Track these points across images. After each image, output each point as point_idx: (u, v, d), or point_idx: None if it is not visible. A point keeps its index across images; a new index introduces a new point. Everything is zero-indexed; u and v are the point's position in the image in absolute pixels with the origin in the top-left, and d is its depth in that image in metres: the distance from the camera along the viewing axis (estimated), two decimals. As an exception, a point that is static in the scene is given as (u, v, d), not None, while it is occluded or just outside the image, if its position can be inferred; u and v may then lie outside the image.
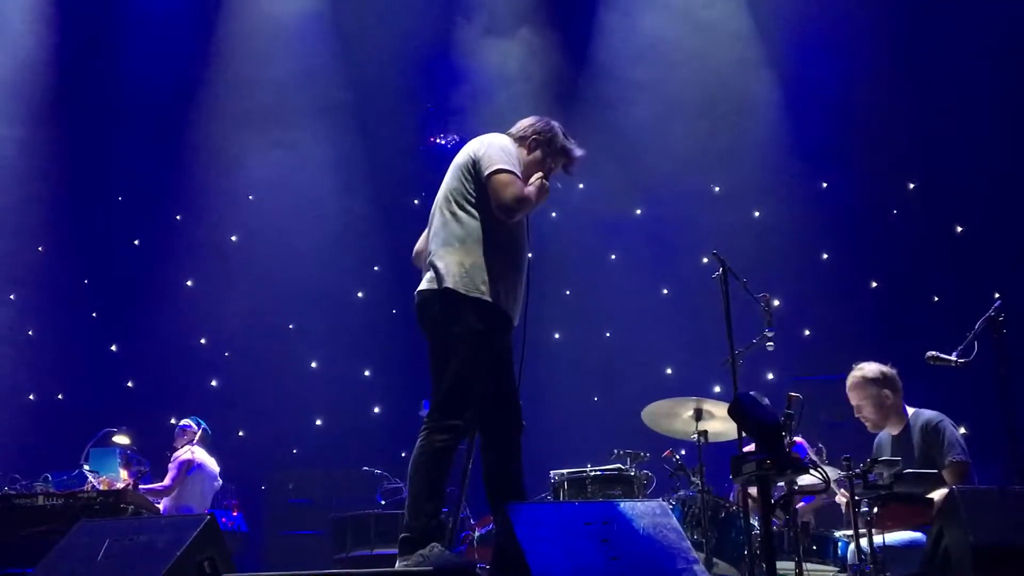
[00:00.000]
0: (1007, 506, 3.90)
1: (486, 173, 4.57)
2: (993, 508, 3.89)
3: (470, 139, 4.90)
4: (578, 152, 4.91)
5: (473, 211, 4.63)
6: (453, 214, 4.66)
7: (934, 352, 5.24)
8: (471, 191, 4.65)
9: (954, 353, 5.20)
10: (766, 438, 3.56)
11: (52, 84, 11.06)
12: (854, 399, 5.76)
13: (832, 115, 10.63)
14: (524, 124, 4.91)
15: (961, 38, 10.22)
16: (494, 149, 4.65)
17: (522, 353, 4.79)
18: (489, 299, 4.53)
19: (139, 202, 11.64)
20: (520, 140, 4.86)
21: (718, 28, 11.00)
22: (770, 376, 10.25)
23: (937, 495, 4.98)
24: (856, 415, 5.80)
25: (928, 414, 5.61)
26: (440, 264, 4.60)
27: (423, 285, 4.67)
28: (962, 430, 8.62)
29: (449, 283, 4.54)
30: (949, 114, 10.31)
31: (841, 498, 5.62)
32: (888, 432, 5.73)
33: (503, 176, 4.54)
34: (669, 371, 10.95)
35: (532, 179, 4.67)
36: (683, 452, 6.72)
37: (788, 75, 10.87)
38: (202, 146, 11.34)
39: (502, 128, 4.97)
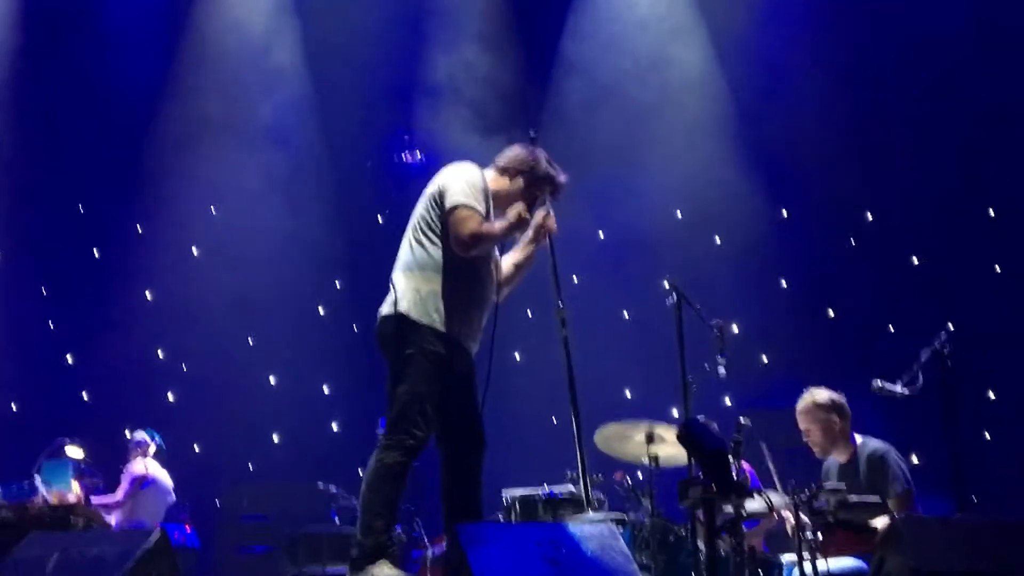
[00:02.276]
0: (947, 534, 3.99)
1: (447, 207, 4.65)
2: (934, 536, 3.98)
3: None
4: (562, 178, 4.97)
5: (436, 240, 4.73)
6: (418, 241, 4.77)
7: (880, 382, 5.35)
8: (435, 221, 4.74)
9: (899, 383, 5.30)
10: (712, 463, 3.62)
11: (11, 90, 10.97)
12: (803, 423, 5.89)
13: (792, 145, 10.77)
14: (508, 154, 4.99)
15: (920, 74, 10.42)
16: (459, 183, 4.72)
17: (488, 379, 4.84)
18: (442, 328, 4.60)
19: (100, 212, 11.53)
20: (503, 170, 4.94)
21: (680, 58, 11.12)
22: (728, 402, 10.32)
23: (880, 523, 5.06)
24: (804, 439, 5.91)
25: (875, 443, 5.72)
26: (398, 288, 4.71)
27: (382, 307, 4.76)
28: (914, 459, 8.82)
29: (403, 308, 4.64)
30: (908, 147, 10.50)
31: (788, 524, 5.71)
32: (836, 459, 5.85)
33: (462, 212, 4.62)
34: (628, 394, 11.00)
35: (510, 210, 4.71)
36: (640, 476, 6.76)
37: (750, 105, 11.00)
38: (165, 158, 11.26)
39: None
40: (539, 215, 4.89)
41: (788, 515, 5.57)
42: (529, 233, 4.92)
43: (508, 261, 5.01)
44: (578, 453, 4.68)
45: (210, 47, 11.36)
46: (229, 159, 11.28)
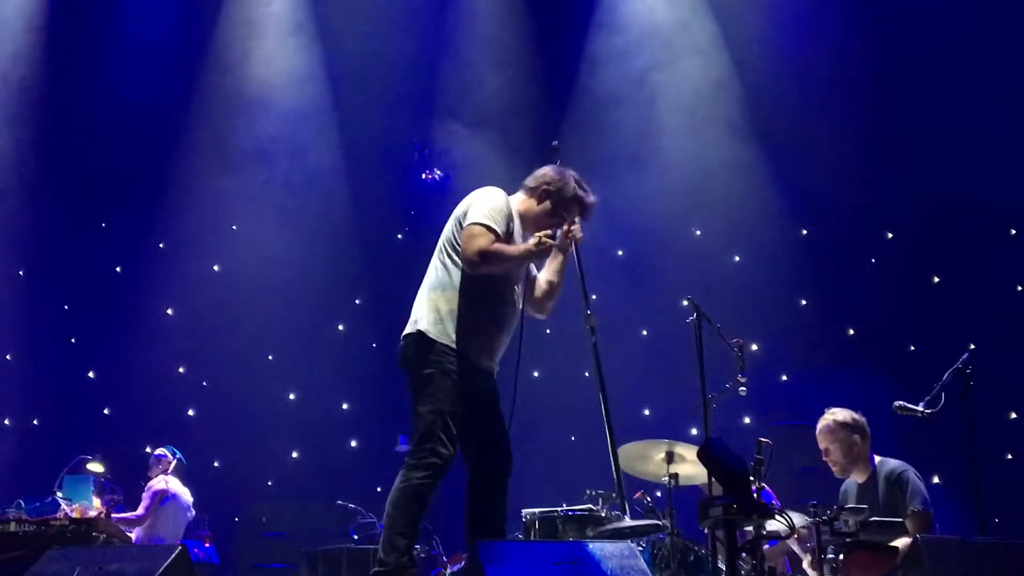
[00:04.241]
0: (968, 556, 3.97)
1: (464, 225, 4.67)
2: (955, 557, 3.96)
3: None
4: (591, 199, 4.96)
5: (458, 261, 4.74)
6: (442, 262, 4.81)
7: (901, 402, 5.34)
8: (457, 242, 4.74)
9: (921, 403, 5.29)
10: (733, 483, 3.61)
11: (37, 107, 11.09)
12: (823, 442, 5.88)
13: (814, 164, 10.74)
14: (538, 175, 4.99)
15: (940, 93, 10.37)
16: (479, 203, 4.75)
17: (514, 398, 4.84)
18: (459, 347, 4.61)
19: (122, 229, 11.62)
20: (531, 192, 4.95)
21: (702, 77, 11.12)
22: (746, 420, 10.28)
23: (901, 543, 5.03)
24: (824, 458, 5.90)
25: (893, 463, 5.71)
26: (419, 308, 4.76)
27: (406, 328, 4.78)
28: (935, 480, 8.76)
29: (422, 327, 4.69)
30: (927, 166, 10.45)
31: (806, 562, 5.71)
32: (854, 480, 5.84)
33: (473, 228, 4.65)
34: (647, 412, 10.97)
35: (533, 238, 4.69)
36: (659, 494, 6.74)
37: (772, 126, 10.97)
38: (187, 176, 11.36)
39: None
40: (565, 225, 4.90)
41: (807, 557, 5.60)
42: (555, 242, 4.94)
43: (542, 277, 5.04)
44: (612, 462, 4.66)
45: (231, 69, 11.46)
46: (249, 177, 11.37)
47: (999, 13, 10.21)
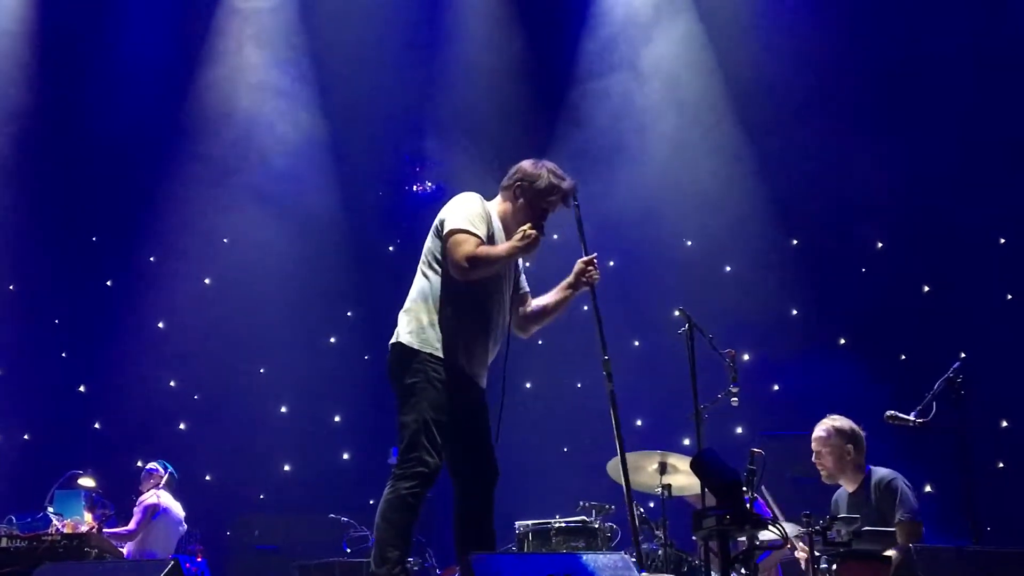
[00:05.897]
0: (962, 565, 3.97)
1: (444, 233, 4.67)
2: (949, 567, 3.96)
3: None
4: (567, 184, 4.88)
5: (439, 270, 4.76)
6: (424, 273, 4.82)
7: (893, 412, 5.36)
8: (438, 251, 4.76)
9: (912, 413, 5.30)
10: (726, 493, 3.61)
11: (26, 121, 11.04)
12: (816, 446, 5.89)
13: (802, 173, 10.78)
14: (511, 173, 4.96)
15: (935, 102, 10.41)
16: (456, 209, 4.75)
17: (500, 407, 4.83)
18: (441, 355, 4.60)
19: (113, 243, 11.60)
20: (506, 191, 4.93)
21: (694, 89, 11.16)
22: (739, 430, 10.29)
23: (894, 553, 5.04)
24: (814, 459, 5.91)
25: (883, 472, 5.74)
26: (402, 319, 4.75)
27: (392, 339, 4.78)
28: (927, 489, 8.77)
29: (404, 337, 4.71)
30: (917, 176, 10.48)
31: (800, 554, 5.70)
32: (845, 489, 5.85)
33: (456, 236, 4.64)
34: (639, 423, 10.96)
35: (517, 232, 4.67)
36: (651, 505, 6.75)
37: (760, 134, 11.01)
38: (177, 188, 11.33)
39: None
40: (580, 263, 4.86)
41: (800, 546, 5.58)
42: (569, 279, 4.90)
43: (540, 301, 5.00)
44: (628, 511, 4.62)
45: (219, 82, 11.45)
46: (240, 190, 11.35)
47: (993, 14, 10.28)
